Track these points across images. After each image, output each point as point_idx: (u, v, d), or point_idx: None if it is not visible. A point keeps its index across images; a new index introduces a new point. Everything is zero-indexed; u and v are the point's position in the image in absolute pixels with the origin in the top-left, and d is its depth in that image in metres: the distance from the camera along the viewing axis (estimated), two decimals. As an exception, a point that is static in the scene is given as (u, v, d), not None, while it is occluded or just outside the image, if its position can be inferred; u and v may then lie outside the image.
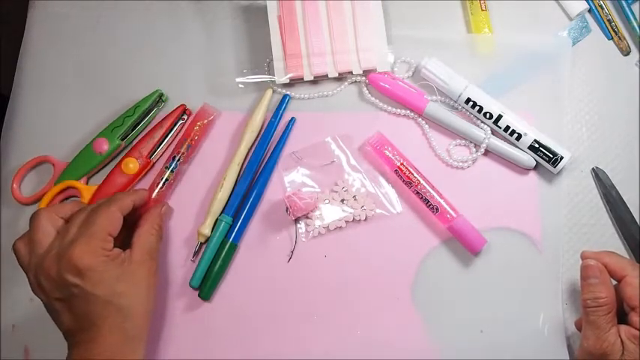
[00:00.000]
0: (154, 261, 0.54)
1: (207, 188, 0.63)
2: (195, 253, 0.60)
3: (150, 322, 0.53)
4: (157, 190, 0.61)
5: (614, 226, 0.62)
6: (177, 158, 0.62)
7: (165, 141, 0.64)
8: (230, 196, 0.61)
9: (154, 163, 0.63)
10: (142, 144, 0.63)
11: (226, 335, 0.59)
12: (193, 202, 0.62)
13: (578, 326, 0.57)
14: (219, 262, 0.59)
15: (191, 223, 0.62)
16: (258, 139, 0.63)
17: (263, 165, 0.63)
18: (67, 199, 0.62)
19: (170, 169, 0.62)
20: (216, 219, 0.60)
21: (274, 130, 0.64)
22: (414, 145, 0.64)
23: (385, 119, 0.64)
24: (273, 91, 0.65)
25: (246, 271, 0.61)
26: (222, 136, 0.64)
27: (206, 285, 0.59)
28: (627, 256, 0.61)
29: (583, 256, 0.54)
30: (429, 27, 0.67)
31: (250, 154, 0.63)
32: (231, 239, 0.60)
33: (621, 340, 0.49)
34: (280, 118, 0.64)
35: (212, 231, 0.60)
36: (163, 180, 0.61)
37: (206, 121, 0.63)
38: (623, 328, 0.50)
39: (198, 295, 0.59)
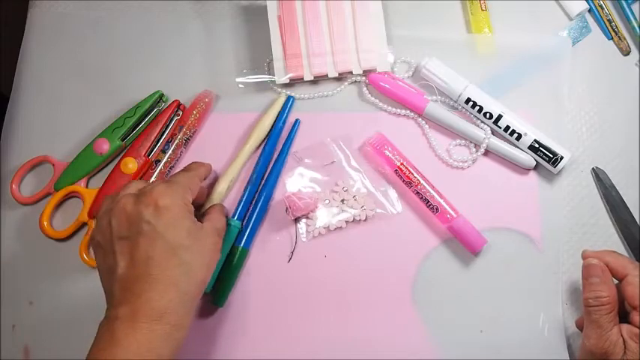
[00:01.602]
0: (220, 240, 0.54)
1: (205, 182, 0.62)
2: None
3: (199, 297, 0.50)
4: (153, 176, 0.62)
5: (614, 226, 0.62)
6: (171, 141, 0.63)
7: (162, 138, 0.64)
8: (239, 202, 0.61)
9: (153, 162, 0.63)
10: (139, 143, 0.63)
11: (228, 336, 0.59)
12: None
13: (579, 325, 0.57)
14: (231, 268, 0.59)
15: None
16: (265, 142, 0.63)
17: (270, 168, 0.63)
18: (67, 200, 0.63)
19: (167, 154, 0.62)
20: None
21: (278, 134, 0.63)
22: (414, 145, 0.64)
23: (385, 119, 0.64)
24: (273, 91, 0.65)
25: (246, 271, 0.61)
26: (222, 136, 0.64)
27: (219, 291, 0.59)
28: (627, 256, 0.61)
29: (584, 256, 0.54)
30: (429, 27, 0.67)
31: (257, 157, 0.63)
32: (242, 244, 0.59)
33: (623, 339, 0.49)
34: (285, 121, 0.64)
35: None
36: (160, 165, 0.62)
37: (203, 104, 0.63)
38: (624, 327, 0.50)
39: (213, 302, 0.59)
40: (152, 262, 0.46)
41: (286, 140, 0.63)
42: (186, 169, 0.56)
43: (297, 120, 0.64)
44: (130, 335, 0.44)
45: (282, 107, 0.64)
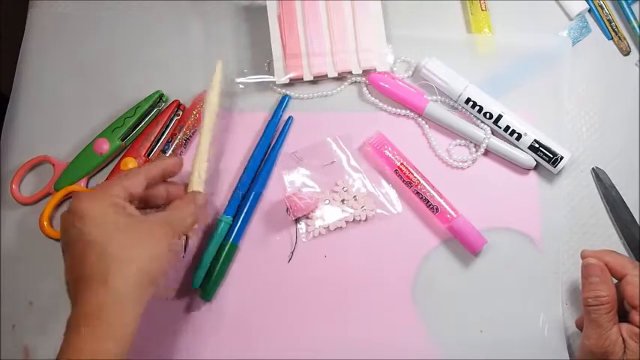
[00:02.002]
0: (174, 236, 0.49)
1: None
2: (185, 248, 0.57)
3: (146, 291, 0.47)
4: None
5: (614, 226, 0.62)
6: (171, 141, 0.62)
7: (162, 138, 0.63)
8: (231, 198, 0.61)
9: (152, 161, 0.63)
10: (139, 143, 0.63)
11: (227, 335, 0.59)
12: None
13: (579, 325, 0.57)
14: (220, 262, 0.59)
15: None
16: (258, 139, 0.63)
17: (262, 165, 0.63)
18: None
19: (167, 154, 0.62)
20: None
21: (272, 132, 0.63)
22: (414, 145, 0.64)
23: (385, 119, 0.64)
24: (273, 91, 0.65)
25: (246, 272, 0.61)
26: (222, 135, 0.64)
27: (208, 285, 0.59)
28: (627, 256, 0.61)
29: (583, 255, 0.54)
30: (429, 27, 0.67)
31: (250, 154, 0.63)
32: (231, 239, 0.60)
33: (623, 338, 0.49)
34: (279, 119, 0.64)
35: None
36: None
37: (202, 104, 0.63)
38: (624, 326, 0.50)
39: (200, 296, 0.59)
40: (83, 263, 0.45)
41: (278, 137, 0.63)
42: (135, 168, 0.54)
43: (289, 117, 0.64)
44: (77, 340, 0.44)
45: (277, 106, 0.64)
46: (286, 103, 0.64)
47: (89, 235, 0.46)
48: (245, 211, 0.61)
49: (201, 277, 0.59)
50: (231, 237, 0.60)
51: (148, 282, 0.46)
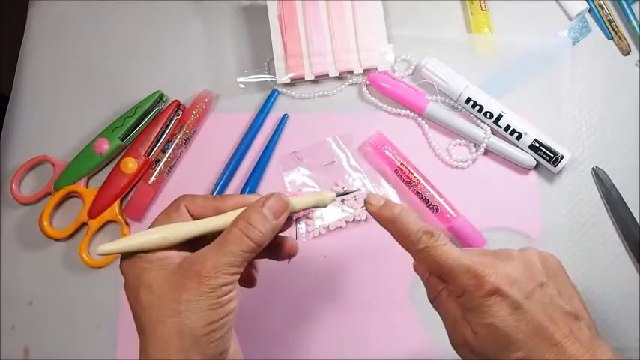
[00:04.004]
0: (219, 269, 0.38)
1: (204, 180, 0.63)
2: None
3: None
4: (153, 176, 0.61)
5: (614, 226, 0.62)
6: (171, 141, 0.62)
7: (162, 138, 0.64)
8: (215, 188, 0.62)
9: (153, 161, 0.63)
10: (139, 143, 0.63)
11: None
12: (188, 191, 0.61)
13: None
14: None
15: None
16: (244, 134, 0.64)
17: (256, 162, 0.63)
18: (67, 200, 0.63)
19: (167, 154, 0.62)
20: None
21: (260, 125, 0.64)
22: (414, 145, 0.64)
23: (385, 119, 0.64)
24: (274, 90, 0.65)
25: (246, 271, 0.61)
26: (222, 136, 0.64)
27: None
28: (629, 259, 0.61)
29: (369, 205, 0.44)
30: (429, 27, 0.67)
31: (234, 149, 0.63)
32: None
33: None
34: (267, 114, 0.64)
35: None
36: (160, 164, 0.62)
37: (202, 104, 0.63)
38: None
39: None
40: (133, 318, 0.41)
41: (273, 134, 0.63)
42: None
43: (284, 115, 0.64)
44: None
45: (265, 101, 0.64)
46: (274, 98, 0.65)
47: (126, 290, 0.41)
48: None
49: None
50: None
51: (190, 344, 0.38)
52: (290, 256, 0.46)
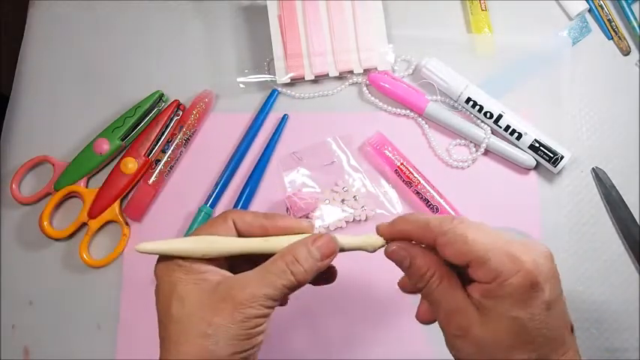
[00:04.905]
0: (254, 302, 0.38)
1: (204, 180, 0.63)
2: None
3: None
4: (153, 176, 0.62)
5: (614, 226, 0.62)
6: (171, 141, 0.62)
7: (162, 138, 0.63)
8: (213, 189, 0.62)
9: (153, 161, 0.63)
10: (139, 143, 0.63)
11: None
12: (189, 191, 0.63)
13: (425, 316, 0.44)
14: None
15: (184, 211, 0.62)
16: (245, 133, 0.64)
17: (256, 162, 0.63)
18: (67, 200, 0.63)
19: (167, 154, 0.62)
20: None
21: (260, 125, 0.64)
22: (414, 145, 0.64)
23: (385, 119, 0.64)
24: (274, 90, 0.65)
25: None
26: (222, 136, 0.64)
27: None
28: (629, 259, 0.61)
29: (378, 231, 0.43)
30: (429, 27, 0.67)
31: (234, 148, 0.63)
32: None
33: (476, 302, 0.38)
34: (267, 114, 0.64)
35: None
36: (160, 164, 0.62)
37: (202, 104, 0.63)
38: (472, 288, 0.38)
39: None
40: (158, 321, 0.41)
41: (273, 134, 0.63)
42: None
43: (284, 115, 0.64)
44: None
45: (265, 100, 0.65)
46: (275, 98, 0.65)
47: (157, 295, 0.40)
48: (239, 206, 0.61)
49: None
50: None
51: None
52: (327, 283, 0.45)
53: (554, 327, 0.36)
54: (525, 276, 0.36)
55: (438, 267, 0.40)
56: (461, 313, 0.38)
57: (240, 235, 0.41)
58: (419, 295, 0.41)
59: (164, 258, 0.40)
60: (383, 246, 0.43)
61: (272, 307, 0.39)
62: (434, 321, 0.42)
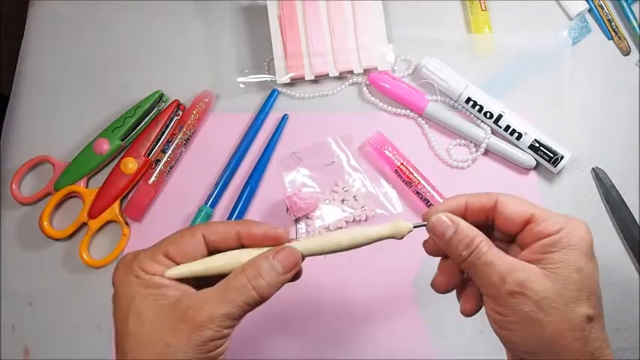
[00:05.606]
0: (211, 321, 0.37)
1: (204, 180, 0.63)
2: None
3: None
4: (153, 176, 0.62)
5: (614, 226, 0.62)
6: (171, 141, 0.62)
7: (162, 138, 0.63)
8: (214, 188, 0.62)
9: (153, 161, 0.63)
10: (139, 143, 0.63)
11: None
12: (189, 191, 0.63)
13: (441, 285, 0.43)
14: None
15: (184, 212, 0.62)
16: (245, 133, 0.64)
17: (256, 162, 0.63)
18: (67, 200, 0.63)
19: (167, 154, 0.62)
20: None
21: (260, 125, 0.64)
22: (414, 145, 0.64)
23: (385, 119, 0.64)
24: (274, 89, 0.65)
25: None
26: (222, 136, 0.64)
27: None
28: (629, 259, 0.61)
29: (425, 216, 0.42)
30: (429, 27, 0.67)
31: (234, 149, 0.63)
32: None
33: (538, 259, 0.38)
34: (267, 114, 0.64)
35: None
36: (160, 164, 0.62)
37: (202, 104, 0.63)
38: (524, 254, 0.39)
39: None
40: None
41: (273, 134, 0.63)
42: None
43: (284, 115, 0.64)
44: None
45: (266, 100, 0.65)
46: (275, 98, 0.65)
47: (114, 303, 0.40)
48: (240, 206, 0.61)
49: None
50: None
51: None
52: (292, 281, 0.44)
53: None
54: (588, 231, 0.38)
55: (485, 236, 0.39)
56: (519, 269, 0.37)
57: (213, 247, 0.40)
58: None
59: (123, 265, 0.39)
60: (411, 231, 0.42)
61: (232, 327, 0.38)
62: (478, 310, 0.42)
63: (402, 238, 0.42)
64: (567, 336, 0.36)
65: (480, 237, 0.39)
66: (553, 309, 0.36)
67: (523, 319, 0.37)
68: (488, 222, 0.41)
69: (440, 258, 0.44)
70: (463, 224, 0.40)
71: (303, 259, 0.42)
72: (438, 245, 0.42)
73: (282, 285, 0.40)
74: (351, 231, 0.43)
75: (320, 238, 0.42)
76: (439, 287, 0.43)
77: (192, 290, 0.39)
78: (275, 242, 0.41)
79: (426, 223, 0.42)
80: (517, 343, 0.38)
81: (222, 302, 0.37)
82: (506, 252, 0.39)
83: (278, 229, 0.41)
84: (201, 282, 0.39)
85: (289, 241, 0.41)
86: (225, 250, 0.40)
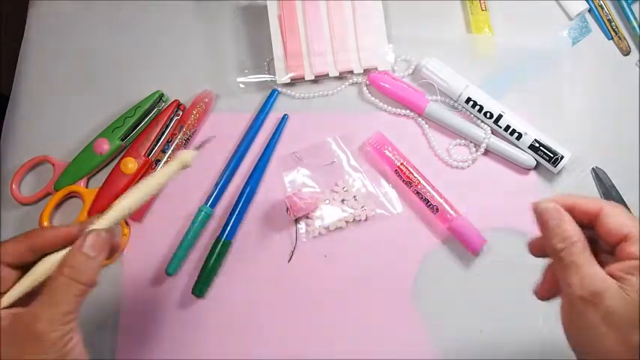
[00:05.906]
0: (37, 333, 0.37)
1: (204, 180, 0.63)
2: None
3: None
4: None
5: (614, 226, 0.62)
6: (171, 141, 0.63)
7: (162, 138, 0.63)
8: (214, 188, 0.62)
9: (153, 161, 0.63)
10: (139, 143, 0.63)
11: (224, 334, 0.59)
12: (189, 191, 0.62)
13: (542, 291, 0.46)
14: (212, 259, 0.59)
15: (184, 212, 0.62)
16: (245, 133, 0.64)
17: (256, 162, 0.63)
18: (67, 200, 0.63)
19: (167, 154, 0.62)
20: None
21: (260, 125, 0.64)
22: (414, 145, 0.64)
23: (385, 119, 0.64)
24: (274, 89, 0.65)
25: (246, 271, 0.60)
26: (222, 136, 0.64)
27: (200, 282, 0.59)
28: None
29: (537, 203, 0.44)
30: (429, 27, 0.67)
31: (235, 148, 0.63)
32: (224, 237, 0.60)
33: (621, 277, 0.39)
34: (267, 114, 0.64)
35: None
36: (160, 164, 0.62)
37: (202, 104, 0.63)
38: (614, 265, 0.40)
39: (192, 292, 0.59)
40: None
41: (273, 134, 0.63)
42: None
43: (284, 115, 0.64)
44: None
45: (265, 100, 0.65)
46: (274, 98, 0.65)
47: None
48: (239, 207, 0.61)
49: (177, 265, 0.59)
50: (224, 234, 0.60)
51: None
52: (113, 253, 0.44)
53: None
54: None
55: (584, 239, 0.41)
56: (599, 280, 0.39)
57: (14, 266, 0.40)
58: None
59: None
60: (194, 156, 0.45)
61: (74, 320, 0.39)
62: (553, 296, 0.44)
63: (190, 165, 0.45)
64: (624, 356, 0.37)
65: (577, 236, 0.41)
66: (616, 326, 0.38)
67: (587, 327, 0.39)
68: (591, 227, 0.43)
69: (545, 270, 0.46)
70: (568, 219, 0.42)
71: (112, 233, 0.42)
72: (542, 247, 0.44)
73: (101, 264, 0.41)
74: (143, 182, 0.44)
75: (115, 205, 0.43)
76: (543, 295, 0.46)
77: (22, 309, 0.39)
78: (69, 240, 0.41)
79: None
80: (577, 347, 0.41)
81: (54, 306, 0.38)
82: (606, 261, 0.41)
83: (70, 227, 0.42)
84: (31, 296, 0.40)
85: (87, 227, 0.42)
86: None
